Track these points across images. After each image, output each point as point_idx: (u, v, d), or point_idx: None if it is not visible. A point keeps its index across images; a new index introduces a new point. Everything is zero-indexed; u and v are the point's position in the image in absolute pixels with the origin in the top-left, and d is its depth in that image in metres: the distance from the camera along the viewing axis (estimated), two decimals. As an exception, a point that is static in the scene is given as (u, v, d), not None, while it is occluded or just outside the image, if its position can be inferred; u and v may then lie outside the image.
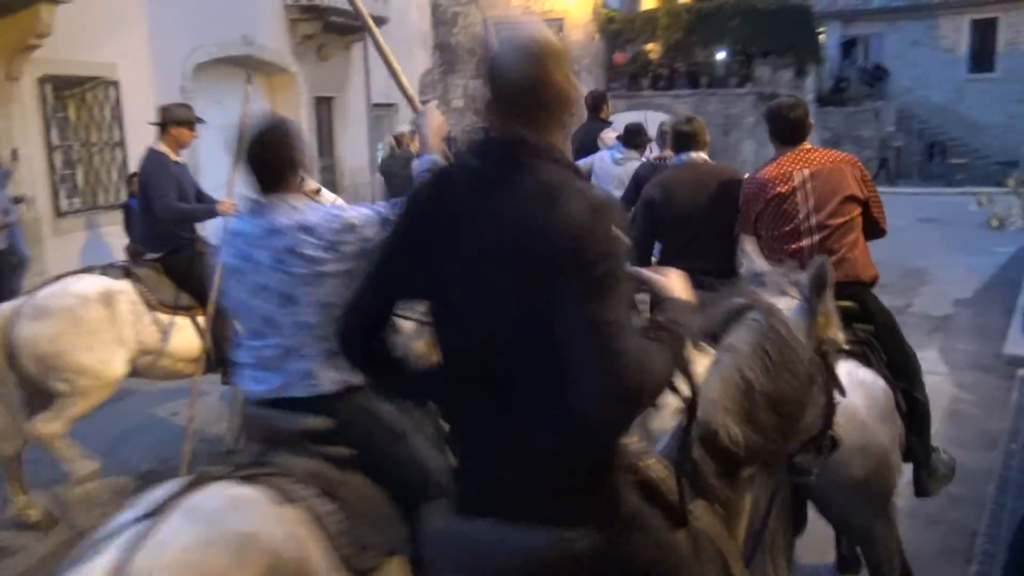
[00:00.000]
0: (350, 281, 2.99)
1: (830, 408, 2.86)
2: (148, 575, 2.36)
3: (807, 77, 31.14)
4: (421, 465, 3.07)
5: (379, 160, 11.89)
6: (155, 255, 6.18)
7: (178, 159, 6.35)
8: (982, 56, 31.77)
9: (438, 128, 3.40)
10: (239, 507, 2.64)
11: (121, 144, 12.66)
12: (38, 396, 5.61)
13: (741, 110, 31.26)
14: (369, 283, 2.28)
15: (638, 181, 6.15)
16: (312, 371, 3.13)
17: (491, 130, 2.08)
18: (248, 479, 2.75)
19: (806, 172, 4.34)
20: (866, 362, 3.94)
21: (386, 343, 2.31)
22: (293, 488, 2.81)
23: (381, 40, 4.08)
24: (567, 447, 2.01)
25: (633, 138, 7.51)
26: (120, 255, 8.84)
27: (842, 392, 2.88)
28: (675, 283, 2.35)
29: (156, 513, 2.52)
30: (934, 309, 11.15)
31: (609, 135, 7.97)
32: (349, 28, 17.94)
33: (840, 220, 4.27)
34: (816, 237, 4.26)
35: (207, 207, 6.30)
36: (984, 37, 31.71)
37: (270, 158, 3.14)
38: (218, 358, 6.07)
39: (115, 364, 5.69)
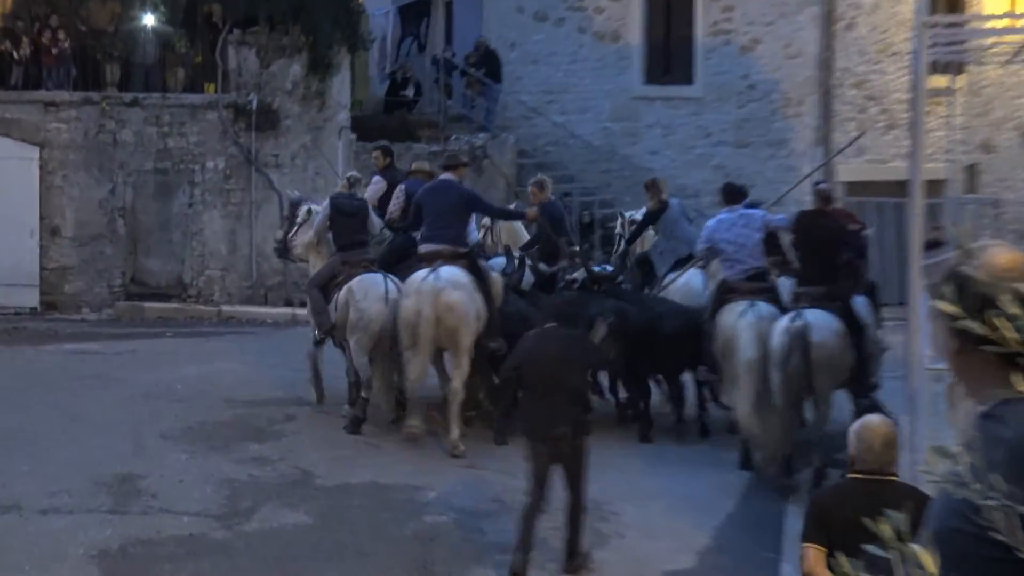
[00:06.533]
0: None
1: None
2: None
3: (334, 77, 15.09)
4: None
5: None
6: (463, 251, 10.17)
7: None
8: (668, 53, 17.10)
9: None
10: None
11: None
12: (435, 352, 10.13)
13: (199, 140, 14.66)
14: None
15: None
16: None
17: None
18: None
19: None
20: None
21: None
22: None
23: None
24: None
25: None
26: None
27: None
28: None
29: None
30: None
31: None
32: None
33: None
34: None
35: (519, 211, 11.37)
36: (671, 18, 17.03)
37: None
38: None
39: None
